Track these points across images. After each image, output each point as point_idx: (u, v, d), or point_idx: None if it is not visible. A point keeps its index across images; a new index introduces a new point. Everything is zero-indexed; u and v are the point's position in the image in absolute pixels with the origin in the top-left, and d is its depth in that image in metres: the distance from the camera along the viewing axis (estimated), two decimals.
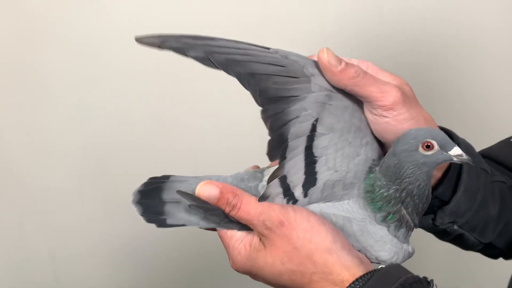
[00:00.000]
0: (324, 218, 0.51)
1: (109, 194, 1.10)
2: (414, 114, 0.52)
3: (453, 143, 0.50)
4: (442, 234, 0.62)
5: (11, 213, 1.10)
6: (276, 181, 0.52)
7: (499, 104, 1.09)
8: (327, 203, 0.52)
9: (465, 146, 0.60)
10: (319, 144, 0.52)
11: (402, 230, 0.52)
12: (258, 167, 0.56)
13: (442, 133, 0.51)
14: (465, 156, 0.50)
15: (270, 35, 1.01)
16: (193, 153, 1.09)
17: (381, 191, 0.51)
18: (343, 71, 0.50)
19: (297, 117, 0.52)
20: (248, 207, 0.50)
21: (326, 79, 0.52)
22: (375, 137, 0.55)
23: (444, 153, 0.50)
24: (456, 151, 0.50)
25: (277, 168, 0.52)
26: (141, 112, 1.08)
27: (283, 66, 0.52)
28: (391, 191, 0.51)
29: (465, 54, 1.07)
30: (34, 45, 1.04)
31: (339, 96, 0.52)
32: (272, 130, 0.51)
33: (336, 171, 0.52)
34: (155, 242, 1.12)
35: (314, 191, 0.52)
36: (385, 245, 0.52)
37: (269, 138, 0.51)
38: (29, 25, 1.04)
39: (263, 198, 0.52)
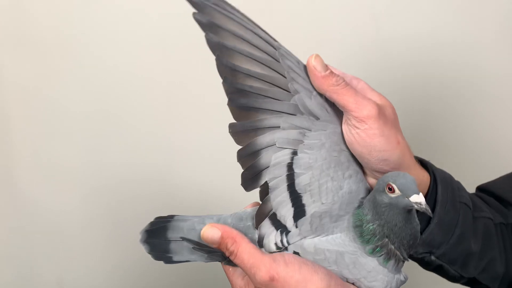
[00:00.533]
0: (316, 265, 0.52)
1: (119, 223, 1.11)
2: (386, 133, 0.53)
3: (415, 189, 0.49)
4: (423, 263, 0.62)
5: (20, 241, 1.12)
6: (267, 221, 0.54)
7: (501, 138, 1.07)
8: (321, 239, 0.53)
9: (443, 179, 0.60)
10: (301, 182, 0.53)
11: (391, 262, 0.53)
12: (258, 204, 0.57)
13: (408, 179, 0.50)
14: (423, 205, 0.49)
15: None
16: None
17: (368, 225, 0.52)
18: (326, 77, 0.52)
19: (269, 147, 0.53)
20: (243, 256, 0.52)
21: (305, 107, 0.53)
22: (360, 167, 0.56)
23: (405, 198, 0.50)
24: (415, 198, 0.49)
25: (261, 205, 0.54)
26: (152, 141, 1.09)
27: (271, 68, 0.53)
28: (375, 225, 0.52)
29: (464, 85, 1.06)
30: (47, 74, 1.07)
31: (314, 134, 0.54)
32: (241, 157, 0.53)
33: (322, 204, 0.53)
34: (164, 273, 1.11)
35: (303, 222, 0.53)
36: (377, 275, 0.52)
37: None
38: (44, 56, 1.07)
39: (260, 241, 0.54)
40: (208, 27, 0.51)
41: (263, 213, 0.54)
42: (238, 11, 0.54)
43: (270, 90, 0.53)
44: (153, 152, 1.09)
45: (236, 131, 0.52)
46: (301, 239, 0.54)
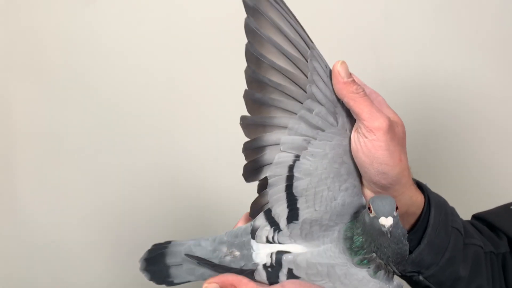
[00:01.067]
0: None
1: (119, 240, 1.13)
2: (391, 148, 0.54)
3: (385, 212, 0.50)
4: (411, 282, 0.63)
5: (20, 258, 1.13)
6: (262, 215, 0.56)
7: (500, 169, 1.07)
8: (312, 253, 0.55)
9: (437, 203, 0.61)
10: (299, 185, 0.55)
11: (381, 272, 0.53)
12: (250, 219, 0.59)
13: (384, 201, 0.51)
14: (386, 228, 0.50)
15: None
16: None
17: (358, 238, 0.53)
18: (347, 84, 0.53)
19: (275, 145, 0.55)
20: None
21: (314, 115, 0.54)
22: (359, 181, 0.57)
23: (378, 219, 0.51)
24: (382, 220, 0.50)
25: (258, 197, 0.57)
26: (153, 161, 1.10)
27: (296, 66, 0.54)
28: (363, 239, 0.53)
29: (467, 114, 1.07)
30: (51, 94, 1.09)
31: (318, 143, 0.55)
32: (246, 149, 0.55)
33: (315, 210, 0.55)
34: None
35: (294, 227, 0.55)
36: (368, 283, 0.53)
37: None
38: (47, 77, 1.09)
39: (253, 232, 0.56)
40: (252, 10, 0.52)
41: (259, 204, 0.57)
42: (285, 4, 0.55)
43: (288, 87, 0.54)
44: (154, 172, 1.11)
45: (246, 124, 0.54)
46: (291, 243, 0.55)
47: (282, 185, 0.55)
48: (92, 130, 1.09)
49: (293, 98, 0.54)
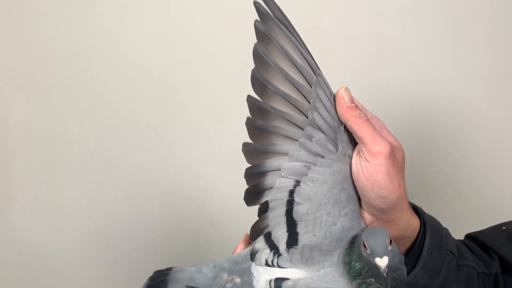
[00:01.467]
0: None
1: (117, 262, 1.13)
2: (391, 173, 0.55)
3: (380, 252, 0.51)
4: None
5: (17, 280, 1.13)
6: (261, 238, 0.57)
7: (494, 189, 1.09)
8: (312, 277, 0.56)
9: (431, 226, 0.62)
10: (298, 210, 0.56)
11: None
12: (250, 242, 0.60)
13: (377, 240, 0.52)
14: (382, 270, 0.51)
15: None
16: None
17: (355, 264, 0.54)
18: (351, 108, 0.55)
19: (276, 171, 0.56)
20: None
21: (314, 142, 0.56)
22: (358, 205, 0.58)
23: (374, 259, 0.52)
24: (378, 261, 0.51)
25: (258, 220, 0.58)
26: (151, 181, 1.11)
27: (300, 92, 0.55)
28: (361, 265, 0.54)
29: (461, 133, 1.08)
30: (49, 113, 1.10)
31: (318, 169, 0.56)
32: (248, 175, 0.56)
33: (315, 235, 0.56)
34: None
35: (294, 252, 0.56)
36: None
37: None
38: (46, 95, 1.10)
39: (253, 254, 0.57)
40: (262, 36, 0.53)
41: (259, 227, 0.58)
42: (295, 31, 0.56)
43: (290, 114, 0.55)
44: (151, 192, 1.11)
45: (248, 150, 0.56)
46: (291, 267, 0.56)
47: (282, 209, 0.56)
48: (91, 150, 1.10)
49: (295, 124, 0.56)
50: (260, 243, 0.57)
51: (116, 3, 1.07)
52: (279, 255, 0.56)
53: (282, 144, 0.56)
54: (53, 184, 1.11)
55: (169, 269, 0.60)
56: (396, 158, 0.56)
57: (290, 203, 0.56)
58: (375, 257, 0.51)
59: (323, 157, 0.56)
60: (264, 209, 0.57)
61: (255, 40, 0.55)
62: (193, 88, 1.08)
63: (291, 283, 0.55)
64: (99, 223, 1.11)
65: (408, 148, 1.04)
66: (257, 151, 0.56)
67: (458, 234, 0.71)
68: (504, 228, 0.72)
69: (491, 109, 1.06)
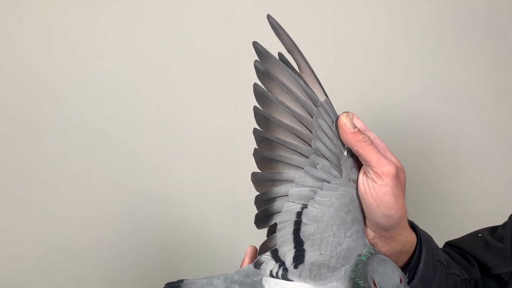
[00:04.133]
0: None
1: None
2: (396, 193, 0.58)
3: None
4: None
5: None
6: (268, 252, 0.59)
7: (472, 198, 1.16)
8: None
9: (426, 240, 0.67)
10: (306, 230, 0.58)
11: None
12: (255, 248, 0.63)
13: (390, 279, 0.55)
14: None
15: None
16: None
17: (359, 281, 0.57)
18: (354, 134, 0.58)
19: (284, 196, 0.59)
20: None
21: (318, 169, 0.59)
22: (363, 225, 0.61)
23: None
24: None
25: (267, 240, 0.60)
26: (149, 200, 1.13)
27: (302, 124, 0.58)
28: (367, 285, 0.57)
29: (446, 148, 1.13)
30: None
31: (324, 193, 0.59)
32: (257, 201, 0.59)
33: (321, 254, 0.58)
34: None
35: (303, 268, 0.58)
36: None
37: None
38: (32, 99, 1.10)
39: (257, 265, 0.59)
40: (263, 75, 0.57)
41: (267, 247, 0.60)
42: (294, 68, 0.59)
43: (294, 143, 0.58)
44: (149, 213, 1.13)
45: (257, 180, 0.59)
46: (300, 282, 0.59)
47: (289, 229, 0.59)
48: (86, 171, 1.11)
49: (299, 153, 0.59)
50: (267, 256, 0.60)
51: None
52: (285, 268, 0.58)
53: (288, 172, 0.59)
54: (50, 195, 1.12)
55: (180, 281, 0.62)
56: (400, 179, 0.59)
57: (298, 224, 0.59)
58: None
59: (328, 182, 0.59)
60: (272, 231, 0.60)
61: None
62: (183, 101, 1.10)
63: None
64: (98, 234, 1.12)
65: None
66: (265, 180, 0.59)
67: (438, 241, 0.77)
68: (480, 235, 0.77)
69: (478, 129, 1.13)
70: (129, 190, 1.11)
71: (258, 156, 0.58)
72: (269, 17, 0.57)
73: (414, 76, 1.11)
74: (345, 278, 0.58)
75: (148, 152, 1.11)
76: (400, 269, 0.56)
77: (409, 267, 0.65)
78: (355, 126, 0.59)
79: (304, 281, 0.59)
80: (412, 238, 0.65)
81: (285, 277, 0.59)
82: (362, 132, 0.59)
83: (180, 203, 1.12)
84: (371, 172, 0.58)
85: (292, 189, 0.59)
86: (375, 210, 0.59)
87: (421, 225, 0.69)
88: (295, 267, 0.58)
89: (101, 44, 1.09)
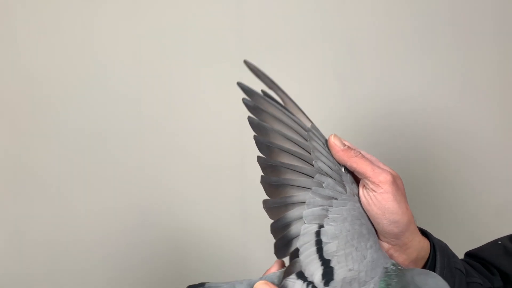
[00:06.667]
0: None
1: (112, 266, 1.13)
2: (398, 198, 0.59)
3: None
4: None
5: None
6: (294, 275, 0.58)
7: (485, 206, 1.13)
8: None
9: (440, 247, 0.65)
10: (328, 249, 0.58)
11: None
12: (283, 263, 0.62)
13: None
14: None
15: None
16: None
17: None
18: (345, 151, 0.60)
19: (299, 219, 0.59)
20: None
21: (325, 187, 0.59)
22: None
23: None
24: None
25: (290, 265, 0.58)
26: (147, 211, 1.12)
27: (301, 147, 0.60)
28: None
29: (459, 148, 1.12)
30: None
31: (335, 209, 0.59)
32: (273, 229, 0.59)
33: (349, 270, 0.57)
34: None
35: (334, 285, 0.57)
36: None
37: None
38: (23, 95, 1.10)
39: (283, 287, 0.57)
40: (253, 109, 0.59)
41: (291, 272, 0.58)
42: (278, 101, 0.61)
43: (298, 165, 0.59)
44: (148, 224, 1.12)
45: (269, 207, 0.59)
46: None
47: (313, 249, 0.58)
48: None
49: (305, 174, 0.59)
50: (292, 278, 0.58)
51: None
52: (314, 287, 0.57)
53: (298, 195, 0.59)
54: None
55: (202, 284, 0.61)
56: (398, 185, 0.60)
57: (319, 243, 0.58)
58: None
59: (336, 198, 0.59)
60: (295, 256, 0.59)
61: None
62: (192, 102, 1.11)
63: None
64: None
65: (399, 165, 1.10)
66: (277, 206, 0.59)
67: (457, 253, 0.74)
68: (499, 242, 0.76)
69: (487, 124, 1.12)
70: (138, 193, 1.11)
71: (266, 183, 0.59)
72: (246, 62, 0.60)
73: (423, 71, 1.12)
74: None
75: (155, 153, 1.12)
76: None
77: None
78: (344, 144, 0.61)
79: None
80: (425, 243, 0.64)
81: None
82: (352, 148, 0.61)
83: (187, 204, 1.12)
84: (369, 183, 0.60)
85: (305, 211, 0.59)
86: (382, 219, 0.59)
87: (436, 225, 0.67)
88: (326, 284, 0.57)
89: (102, 44, 1.10)
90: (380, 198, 0.59)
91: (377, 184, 0.59)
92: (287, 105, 0.62)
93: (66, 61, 1.09)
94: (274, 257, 0.60)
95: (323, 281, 0.57)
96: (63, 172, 1.10)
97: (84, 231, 1.11)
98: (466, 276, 0.67)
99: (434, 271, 0.63)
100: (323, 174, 0.59)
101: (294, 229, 0.59)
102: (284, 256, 0.59)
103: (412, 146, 1.12)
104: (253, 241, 1.06)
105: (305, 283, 0.57)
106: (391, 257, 0.62)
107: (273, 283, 0.59)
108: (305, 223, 0.58)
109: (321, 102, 1.10)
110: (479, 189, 1.12)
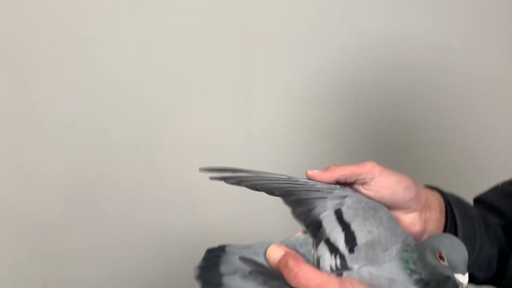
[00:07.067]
0: None
1: (101, 222, 1.14)
2: (392, 171, 0.64)
3: (463, 269, 0.54)
4: None
5: (3, 245, 1.12)
6: (323, 244, 0.59)
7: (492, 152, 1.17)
8: (374, 267, 0.58)
9: (455, 200, 0.69)
10: (347, 215, 0.61)
11: None
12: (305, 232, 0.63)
13: (460, 256, 0.55)
14: (464, 286, 0.55)
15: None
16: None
17: (412, 266, 0.58)
18: (325, 170, 0.64)
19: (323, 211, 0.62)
20: (309, 275, 0.54)
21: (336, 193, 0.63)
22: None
23: (453, 274, 0.55)
24: (459, 277, 0.55)
25: (319, 232, 0.60)
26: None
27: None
28: (419, 269, 0.58)
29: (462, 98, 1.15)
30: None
31: (351, 199, 0.63)
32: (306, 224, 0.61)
33: (369, 233, 0.60)
34: (151, 268, 1.16)
35: (359, 251, 0.58)
36: None
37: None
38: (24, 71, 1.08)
39: (317, 261, 0.58)
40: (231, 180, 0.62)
41: (321, 239, 0.59)
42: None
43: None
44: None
45: (297, 215, 0.60)
46: (359, 267, 0.58)
47: (333, 218, 0.60)
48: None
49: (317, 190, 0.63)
50: (322, 249, 0.59)
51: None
52: (341, 256, 0.58)
53: (319, 207, 0.62)
54: (32, 151, 1.10)
55: (222, 247, 0.62)
56: (385, 168, 0.64)
57: (339, 212, 0.61)
58: (455, 272, 0.55)
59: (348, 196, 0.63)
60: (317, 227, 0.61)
61: None
62: (199, 104, 1.10)
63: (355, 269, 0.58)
64: (81, 179, 1.12)
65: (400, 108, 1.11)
66: (303, 214, 0.61)
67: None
68: (500, 186, 0.79)
69: (494, 61, 1.14)
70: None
71: (288, 202, 0.61)
72: (212, 178, 0.62)
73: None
74: (397, 258, 0.59)
75: (158, 149, 1.12)
76: None
77: (447, 228, 0.66)
78: (319, 169, 0.64)
79: (364, 266, 0.58)
80: (439, 197, 0.68)
81: (345, 267, 0.58)
82: (327, 168, 0.64)
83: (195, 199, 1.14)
84: (361, 179, 0.63)
85: (325, 203, 0.62)
86: (396, 192, 0.63)
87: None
88: (351, 250, 0.58)
89: (104, 45, 1.08)
90: (380, 180, 0.62)
91: (370, 171, 0.62)
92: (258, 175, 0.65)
93: (70, 59, 1.07)
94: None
95: (347, 247, 0.58)
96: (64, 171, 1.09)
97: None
98: (483, 220, 0.70)
99: (455, 224, 0.66)
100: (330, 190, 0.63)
101: (317, 210, 0.61)
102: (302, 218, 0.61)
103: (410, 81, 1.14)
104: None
105: (333, 255, 0.58)
106: (427, 221, 0.65)
107: (293, 247, 0.59)
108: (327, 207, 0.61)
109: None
110: (486, 132, 1.16)
